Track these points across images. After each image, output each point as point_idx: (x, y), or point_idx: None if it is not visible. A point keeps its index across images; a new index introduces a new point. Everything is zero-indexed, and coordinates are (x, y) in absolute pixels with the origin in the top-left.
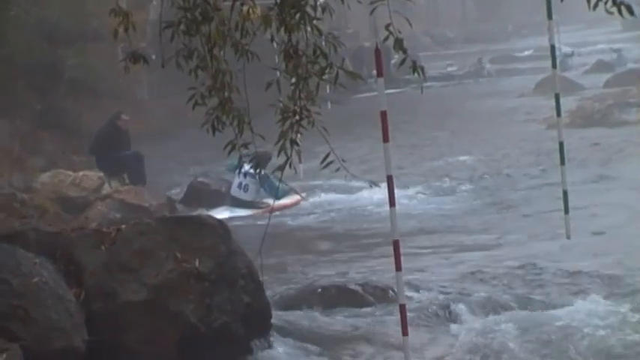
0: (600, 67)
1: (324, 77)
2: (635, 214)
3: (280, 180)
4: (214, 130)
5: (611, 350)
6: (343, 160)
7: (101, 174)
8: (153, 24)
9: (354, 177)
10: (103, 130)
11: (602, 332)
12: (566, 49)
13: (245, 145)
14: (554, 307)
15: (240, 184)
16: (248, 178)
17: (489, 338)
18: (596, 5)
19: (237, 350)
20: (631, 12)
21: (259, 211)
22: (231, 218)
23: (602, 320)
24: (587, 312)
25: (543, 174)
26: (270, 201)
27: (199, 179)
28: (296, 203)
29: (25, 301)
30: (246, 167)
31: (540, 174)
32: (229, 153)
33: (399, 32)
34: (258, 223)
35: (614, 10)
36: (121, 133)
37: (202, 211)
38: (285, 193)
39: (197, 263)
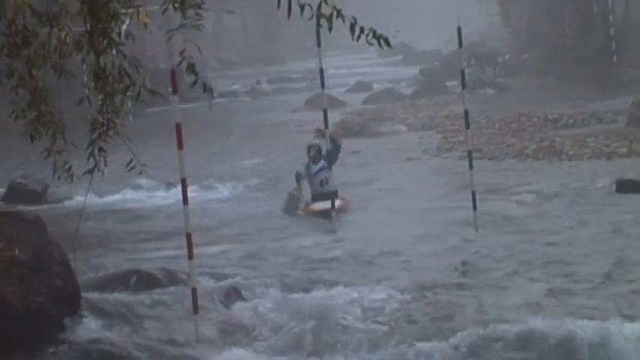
0: (359, 87)
1: (127, 94)
2: (392, 208)
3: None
4: (32, 138)
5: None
6: (143, 165)
7: None
8: None
9: (152, 178)
10: None
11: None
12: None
13: (59, 152)
14: (322, 287)
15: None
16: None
17: (268, 314)
18: (359, 37)
19: (51, 327)
20: (388, 44)
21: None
22: None
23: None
24: (348, 292)
25: None
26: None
27: (18, 180)
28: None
29: None
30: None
31: None
32: (45, 157)
33: (192, 57)
34: None
35: (374, 41)
36: None
37: (22, 207)
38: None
39: (17, 252)
